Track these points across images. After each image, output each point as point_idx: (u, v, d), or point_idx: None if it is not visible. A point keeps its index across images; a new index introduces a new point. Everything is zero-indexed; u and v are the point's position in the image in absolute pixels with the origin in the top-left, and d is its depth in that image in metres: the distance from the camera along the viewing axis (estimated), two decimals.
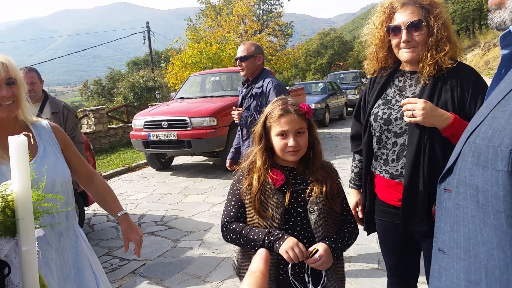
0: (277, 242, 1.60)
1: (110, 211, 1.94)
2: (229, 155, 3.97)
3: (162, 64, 26.39)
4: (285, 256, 1.58)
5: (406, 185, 1.82)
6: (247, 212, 1.75)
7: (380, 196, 2.00)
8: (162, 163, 8.87)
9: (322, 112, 13.93)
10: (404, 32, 1.82)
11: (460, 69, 1.82)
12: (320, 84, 16.28)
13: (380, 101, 1.98)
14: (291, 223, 1.68)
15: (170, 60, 18.15)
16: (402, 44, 1.85)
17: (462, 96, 1.77)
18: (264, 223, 1.68)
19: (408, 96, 1.89)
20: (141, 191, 7.19)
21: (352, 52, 52.62)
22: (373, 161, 2.04)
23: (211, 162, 9.33)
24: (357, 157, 2.26)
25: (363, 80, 20.34)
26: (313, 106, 13.41)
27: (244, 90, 3.78)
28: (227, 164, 3.92)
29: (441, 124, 1.71)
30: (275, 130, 1.72)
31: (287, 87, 14.73)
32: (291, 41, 35.56)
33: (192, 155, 8.42)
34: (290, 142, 1.68)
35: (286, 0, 33.78)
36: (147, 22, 28.97)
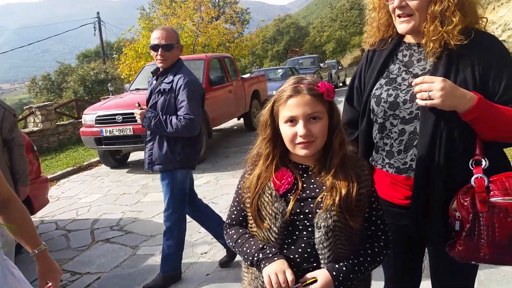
0: (263, 262, 1.34)
1: (27, 245, 1.57)
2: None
3: (114, 55, 25.39)
4: (265, 280, 1.31)
5: (418, 181, 1.50)
6: (248, 217, 1.48)
7: (382, 194, 1.61)
8: (117, 160, 8.30)
9: None
10: None
11: (480, 38, 1.46)
12: (280, 70, 16.15)
13: (382, 81, 1.62)
14: (294, 237, 1.36)
15: (123, 50, 17.39)
16: (397, 11, 1.51)
17: (485, 71, 1.44)
18: (262, 235, 1.40)
19: (417, 73, 1.54)
20: (94, 193, 6.63)
21: (308, 38, 52.81)
22: (373, 153, 1.69)
23: None
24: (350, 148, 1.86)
25: (321, 64, 20.30)
26: (274, 93, 12.98)
27: (154, 82, 3.27)
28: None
29: (463, 106, 1.38)
30: (282, 115, 1.35)
31: (247, 75, 14.44)
32: (247, 28, 35.07)
33: None
34: (300, 130, 1.31)
35: None
36: (98, 12, 28.03)
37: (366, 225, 1.40)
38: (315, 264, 1.34)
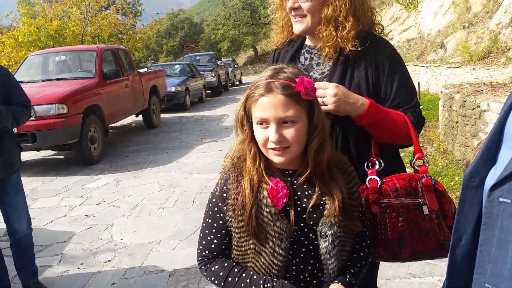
0: None
1: None
2: None
3: None
4: None
5: None
6: (235, 242, 1.25)
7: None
8: None
9: (183, 95, 13.43)
10: None
11: (373, 42, 1.51)
12: (178, 66, 15.75)
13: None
14: (301, 255, 1.22)
15: (0, 38, 15.50)
16: (292, 12, 1.53)
17: (377, 76, 1.49)
18: (262, 260, 1.21)
19: (316, 78, 1.56)
20: None
21: (203, 35, 52.62)
22: None
23: (62, 157, 8.04)
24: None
25: (218, 62, 20.36)
26: (173, 89, 12.81)
27: None
28: None
29: (356, 111, 1.42)
30: (254, 115, 1.19)
31: (144, 69, 13.85)
32: (140, 20, 33.66)
33: (38, 150, 7.10)
34: (271, 135, 1.15)
35: None
36: None
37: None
38: (315, 281, 1.24)
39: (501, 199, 0.75)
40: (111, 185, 5.83)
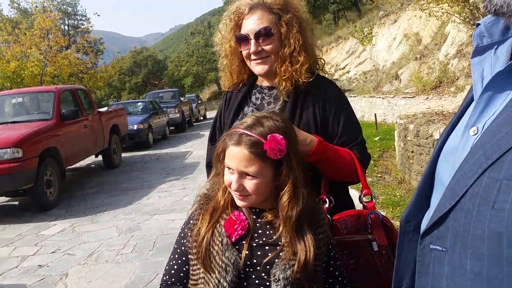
0: None
1: None
2: None
3: None
4: None
5: None
6: (191, 270, 1.28)
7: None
8: None
9: (145, 133, 13.29)
10: (252, 41, 1.58)
11: (320, 83, 1.63)
12: (140, 104, 15.66)
13: (237, 122, 1.67)
14: None
15: None
16: (252, 56, 1.61)
17: (325, 114, 1.59)
18: None
19: None
20: None
21: (166, 72, 52.88)
22: None
23: (16, 203, 7.68)
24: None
25: (181, 98, 20.42)
26: (135, 127, 12.65)
27: None
28: None
29: (305, 149, 1.45)
30: (225, 158, 1.24)
31: (104, 108, 13.69)
32: (102, 58, 33.52)
33: None
34: (233, 183, 1.21)
35: (94, 16, 31.70)
36: None
37: (324, 276, 1.29)
38: None
39: (431, 246, 0.75)
40: (67, 232, 5.58)
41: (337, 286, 1.32)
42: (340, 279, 1.32)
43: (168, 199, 6.78)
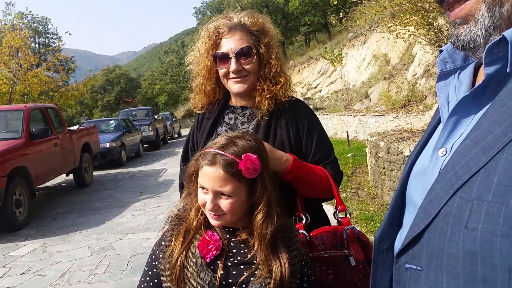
0: None
1: None
2: None
3: None
4: None
5: None
6: None
7: None
8: None
9: (118, 151, 13.08)
10: (233, 60, 1.60)
11: (292, 103, 1.68)
12: (113, 122, 15.46)
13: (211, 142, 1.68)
14: None
15: None
16: (231, 74, 1.63)
17: (298, 134, 1.63)
18: None
19: None
20: None
21: (140, 89, 52.54)
22: None
23: None
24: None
25: (155, 116, 20.28)
26: (107, 145, 12.47)
27: None
28: None
29: (281, 167, 1.49)
30: (199, 178, 1.24)
31: (75, 126, 13.44)
32: (74, 76, 33.01)
33: None
34: (207, 203, 1.21)
35: (65, 34, 31.26)
36: None
37: None
38: None
39: (407, 265, 0.75)
40: (38, 252, 5.42)
41: None
42: None
43: (142, 218, 6.70)
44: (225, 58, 1.61)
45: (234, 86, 1.64)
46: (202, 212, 1.26)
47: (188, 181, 1.29)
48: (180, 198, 1.38)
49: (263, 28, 1.66)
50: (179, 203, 1.35)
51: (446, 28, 8.43)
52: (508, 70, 0.66)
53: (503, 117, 0.64)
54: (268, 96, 1.61)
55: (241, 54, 1.59)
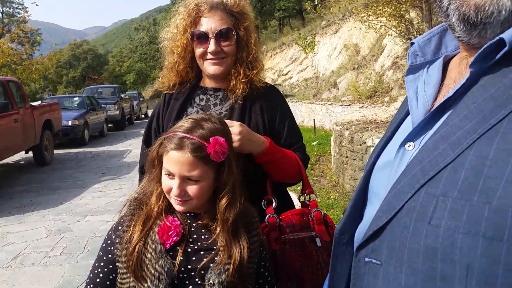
0: None
1: None
2: None
3: None
4: None
5: None
6: (119, 279, 1.22)
7: None
8: None
9: (81, 129, 12.71)
10: (212, 41, 1.55)
11: (267, 89, 1.69)
12: (77, 99, 15.01)
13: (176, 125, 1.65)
14: None
15: None
16: (209, 55, 1.59)
17: (272, 118, 1.64)
18: None
19: None
20: None
21: (107, 66, 51.15)
22: None
23: None
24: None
25: (122, 95, 19.83)
26: (70, 123, 12.10)
27: None
28: None
29: (258, 149, 1.50)
30: (164, 164, 1.20)
31: (38, 102, 12.96)
32: (39, 50, 31.72)
33: None
34: (174, 188, 1.17)
35: (32, 5, 29.79)
36: None
37: (254, 277, 1.31)
38: None
39: (366, 259, 0.74)
40: None
41: (266, 286, 1.35)
42: (269, 279, 1.36)
43: (102, 200, 6.57)
44: (203, 37, 1.57)
45: (210, 67, 1.60)
46: (164, 197, 1.23)
47: (150, 166, 1.25)
48: (140, 184, 1.34)
49: (244, 10, 1.64)
50: (138, 188, 1.31)
51: (417, 21, 8.59)
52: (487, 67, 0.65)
53: (473, 113, 0.63)
54: (243, 80, 1.60)
55: (220, 35, 1.56)
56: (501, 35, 0.62)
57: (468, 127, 0.62)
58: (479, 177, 0.58)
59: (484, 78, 0.65)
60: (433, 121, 0.73)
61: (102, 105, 16.09)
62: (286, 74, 21.81)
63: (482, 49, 0.64)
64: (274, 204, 1.54)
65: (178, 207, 1.20)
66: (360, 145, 5.81)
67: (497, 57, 0.63)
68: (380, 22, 8.41)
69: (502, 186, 0.56)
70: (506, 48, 0.62)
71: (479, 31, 0.67)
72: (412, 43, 0.82)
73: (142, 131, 1.83)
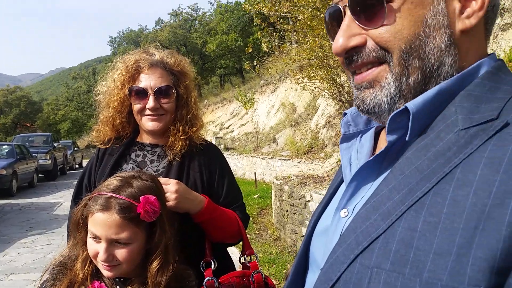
0: None
1: None
2: None
3: None
4: None
5: None
6: None
7: None
8: None
9: (8, 180, 11.98)
10: (151, 97, 1.56)
11: (205, 146, 1.70)
12: (5, 147, 14.17)
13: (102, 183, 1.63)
14: None
15: None
16: (147, 111, 1.59)
17: (211, 177, 1.64)
18: None
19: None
20: None
21: (41, 114, 49.02)
22: None
23: None
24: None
25: (55, 144, 19.01)
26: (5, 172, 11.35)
27: None
28: None
29: (195, 208, 1.46)
30: (89, 226, 1.12)
31: None
32: None
33: None
34: (100, 253, 1.09)
35: None
36: None
37: None
38: None
39: None
40: None
41: None
42: None
43: (29, 256, 6.14)
44: (142, 93, 1.57)
45: (148, 123, 1.60)
46: (91, 262, 1.15)
47: (74, 229, 1.16)
48: (66, 247, 1.24)
49: (184, 70, 1.67)
50: (64, 251, 1.22)
51: (347, 85, 9.25)
52: (407, 139, 0.67)
53: (401, 185, 0.64)
54: (182, 137, 1.60)
55: (160, 92, 1.57)
56: (406, 104, 0.67)
57: (397, 198, 0.63)
58: (409, 249, 0.58)
59: (410, 150, 0.67)
60: (364, 190, 0.74)
61: (33, 154, 15.33)
62: (227, 127, 22.17)
63: (389, 118, 0.69)
64: (213, 266, 1.49)
65: (106, 273, 1.13)
66: (299, 199, 5.97)
67: (409, 125, 0.67)
68: (314, 84, 8.95)
69: (430, 259, 0.56)
70: (411, 115, 0.66)
71: (375, 116, 0.75)
72: (345, 114, 0.85)
73: (75, 182, 1.79)
